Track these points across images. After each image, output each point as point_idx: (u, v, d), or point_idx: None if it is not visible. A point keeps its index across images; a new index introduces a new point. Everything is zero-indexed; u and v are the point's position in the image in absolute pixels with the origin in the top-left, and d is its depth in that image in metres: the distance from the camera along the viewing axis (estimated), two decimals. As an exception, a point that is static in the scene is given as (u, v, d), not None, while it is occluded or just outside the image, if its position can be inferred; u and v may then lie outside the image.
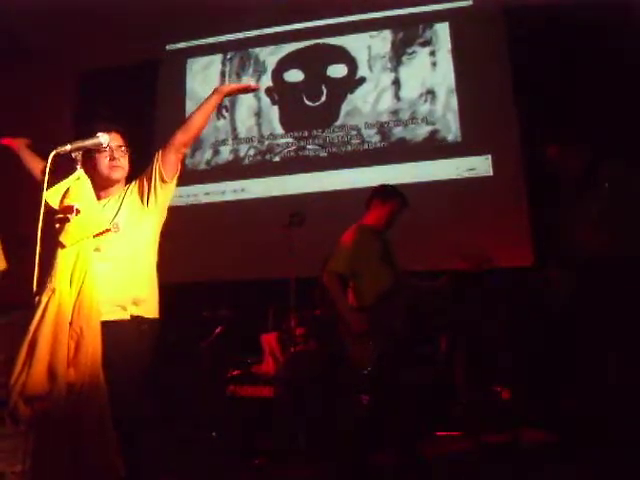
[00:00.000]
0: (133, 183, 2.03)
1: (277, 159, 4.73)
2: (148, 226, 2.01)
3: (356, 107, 4.65)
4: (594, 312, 2.26)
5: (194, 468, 2.99)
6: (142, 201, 1.98)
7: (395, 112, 4.55)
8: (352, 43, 4.77)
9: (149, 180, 1.98)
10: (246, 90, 2.12)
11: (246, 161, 4.78)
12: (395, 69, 4.63)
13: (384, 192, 2.88)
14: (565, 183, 2.51)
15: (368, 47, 4.72)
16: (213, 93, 2.04)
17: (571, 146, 2.47)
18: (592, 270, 2.28)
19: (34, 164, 2.14)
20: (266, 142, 4.76)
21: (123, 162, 1.99)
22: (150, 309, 1.96)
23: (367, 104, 4.63)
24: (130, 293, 1.90)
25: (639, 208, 2.28)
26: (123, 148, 1.99)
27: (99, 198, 2.00)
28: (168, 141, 2.00)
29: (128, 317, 1.88)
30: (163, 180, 1.97)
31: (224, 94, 2.06)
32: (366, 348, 2.59)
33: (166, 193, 2.01)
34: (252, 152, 4.75)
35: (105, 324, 1.82)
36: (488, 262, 2.84)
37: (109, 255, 1.89)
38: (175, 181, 2.02)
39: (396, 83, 4.60)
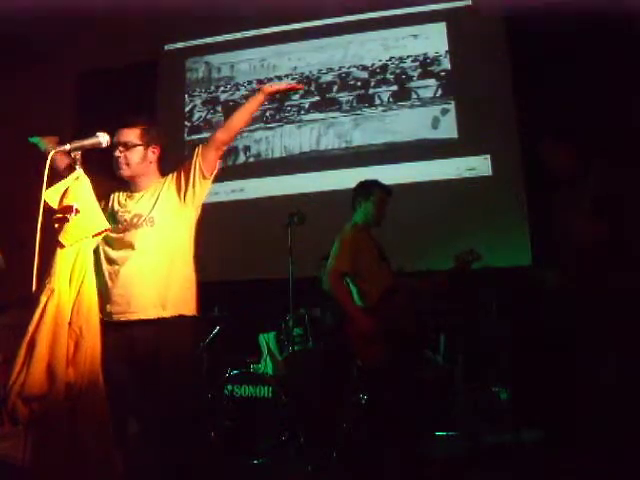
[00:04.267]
0: (170, 178, 2.06)
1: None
2: (184, 221, 2.05)
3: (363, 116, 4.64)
4: (591, 311, 2.26)
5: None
6: (179, 196, 2.03)
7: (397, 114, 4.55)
8: (355, 46, 4.77)
9: (187, 176, 2.02)
10: (290, 90, 2.16)
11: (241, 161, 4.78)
12: (395, 67, 4.63)
13: (364, 188, 2.91)
14: (562, 182, 2.51)
15: (369, 50, 4.72)
16: (257, 93, 2.07)
17: (569, 146, 2.48)
18: (587, 269, 2.28)
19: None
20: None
21: (123, 159, 2.01)
22: (189, 306, 2.00)
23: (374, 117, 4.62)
24: (168, 290, 1.94)
25: (629, 205, 2.28)
26: (129, 144, 2.01)
27: (133, 192, 2.06)
28: (209, 138, 2.05)
29: (168, 315, 1.91)
30: (203, 176, 2.02)
31: (268, 94, 2.08)
32: (377, 348, 2.60)
33: (204, 189, 2.06)
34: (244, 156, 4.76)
35: (146, 322, 1.88)
36: (477, 259, 2.85)
37: (145, 250, 1.94)
38: (212, 178, 2.06)
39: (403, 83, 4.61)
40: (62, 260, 1.65)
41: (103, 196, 2.09)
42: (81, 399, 1.57)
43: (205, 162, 2.01)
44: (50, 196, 1.67)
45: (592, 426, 2.34)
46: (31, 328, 1.57)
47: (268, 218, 4.18)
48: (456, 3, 4.60)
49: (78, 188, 1.70)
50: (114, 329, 1.90)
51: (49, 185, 1.67)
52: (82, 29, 4.82)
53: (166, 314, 1.92)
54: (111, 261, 1.97)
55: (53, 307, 1.59)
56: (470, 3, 4.57)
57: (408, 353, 2.72)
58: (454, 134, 4.41)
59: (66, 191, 1.69)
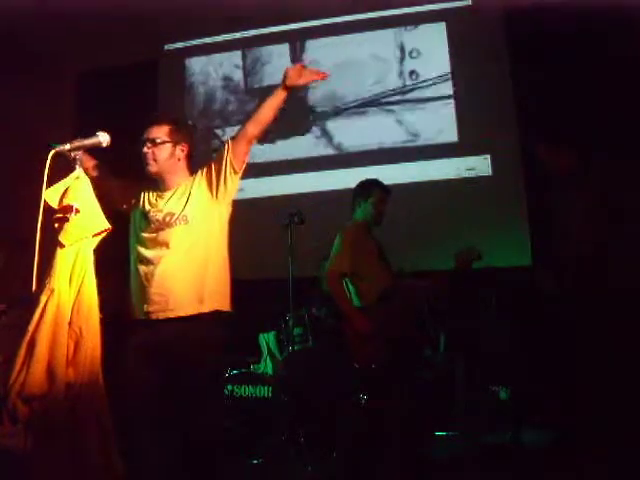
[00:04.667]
0: (199, 175, 2.06)
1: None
2: (217, 217, 2.05)
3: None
4: (591, 311, 2.26)
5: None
6: (211, 192, 2.03)
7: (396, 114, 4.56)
8: (355, 45, 4.77)
9: (219, 171, 2.02)
10: (318, 78, 2.06)
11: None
12: (394, 68, 4.64)
13: (363, 188, 2.91)
14: (562, 182, 2.52)
15: (371, 49, 4.72)
16: (279, 89, 2.02)
17: (569, 145, 2.48)
18: (586, 269, 2.28)
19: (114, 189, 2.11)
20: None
21: (151, 155, 2.01)
22: (225, 302, 2.02)
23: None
24: (205, 286, 1.95)
25: (630, 205, 2.28)
26: (158, 141, 2.01)
27: (163, 191, 2.06)
28: (238, 133, 2.04)
29: (206, 310, 1.93)
30: (234, 171, 2.02)
31: (293, 86, 2.03)
32: (374, 348, 2.60)
33: (234, 184, 2.05)
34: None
35: (185, 319, 1.90)
36: (477, 258, 2.85)
37: (180, 248, 1.95)
38: (241, 173, 2.06)
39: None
40: (62, 260, 1.65)
41: (131, 196, 2.12)
42: (81, 399, 1.57)
43: (236, 156, 2.01)
44: (50, 196, 1.67)
45: (592, 426, 2.34)
46: (31, 328, 1.57)
47: (268, 218, 4.17)
48: (456, 3, 4.60)
49: (78, 188, 1.70)
50: (151, 328, 1.94)
51: (49, 185, 1.67)
52: (82, 29, 4.81)
53: (204, 309, 1.94)
54: (146, 261, 1.98)
55: (53, 307, 1.59)
56: (470, 3, 4.57)
57: (406, 354, 2.72)
58: (454, 134, 4.41)
59: (66, 191, 1.69)
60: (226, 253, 2.09)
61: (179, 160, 2.06)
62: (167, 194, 2.05)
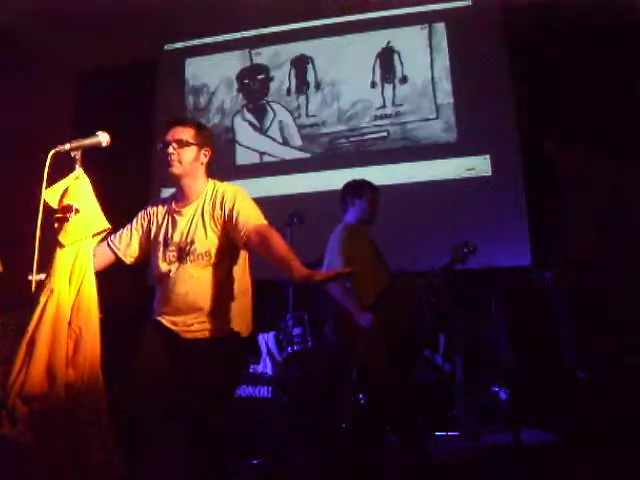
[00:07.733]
0: (219, 210, 1.97)
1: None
2: (237, 248, 2.00)
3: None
4: (591, 311, 2.27)
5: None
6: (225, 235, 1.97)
7: (397, 114, 4.56)
8: (354, 45, 4.77)
9: (232, 230, 1.94)
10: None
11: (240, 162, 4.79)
12: (396, 68, 4.64)
13: (353, 187, 2.88)
14: (562, 182, 2.52)
15: (370, 49, 4.73)
16: (296, 270, 1.73)
17: (568, 145, 2.48)
18: (582, 269, 2.29)
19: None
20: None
21: (176, 157, 1.96)
22: (245, 325, 2.01)
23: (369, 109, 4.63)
24: (227, 312, 1.95)
25: (630, 208, 2.28)
26: (184, 142, 1.97)
27: (180, 205, 2.02)
28: (253, 233, 1.91)
29: (223, 334, 1.93)
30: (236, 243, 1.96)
31: (308, 281, 1.76)
32: (373, 348, 2.59)
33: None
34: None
35: (204, 340, 1.91)
36: (472, 252, 2.84)
37: (200, 273, 1.94)
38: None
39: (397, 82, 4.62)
40: (62, 260, 1.65)
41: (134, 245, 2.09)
42: (81, 399, 1.57)
43: (246, 242, 1.92)
44: (50, 196, 1.67)
45: (592, 426, 2.34)
46: (31, 328, 1.57)
47: (268, 218, 4.17)
48: (456, 3, 4.60)
49: (78, 188, 1.70)
50: (173, 339, 1.94)
51: (49, 185, 1.67)
52: (82, 29, 4.81)
53: (225, 332, 1.94)
54: (167, 282, 1.98)
55: (53, 307, 1.59)
56: (470, 3, 4.57)
57: (406, 354, 2.71)
58: (454, 134, 4.42)
59: (66, 191, 1.69)
60: (248, 279, 2.07)
61: (202, 164, 2.02)
62: (186, 211, 2.01)
